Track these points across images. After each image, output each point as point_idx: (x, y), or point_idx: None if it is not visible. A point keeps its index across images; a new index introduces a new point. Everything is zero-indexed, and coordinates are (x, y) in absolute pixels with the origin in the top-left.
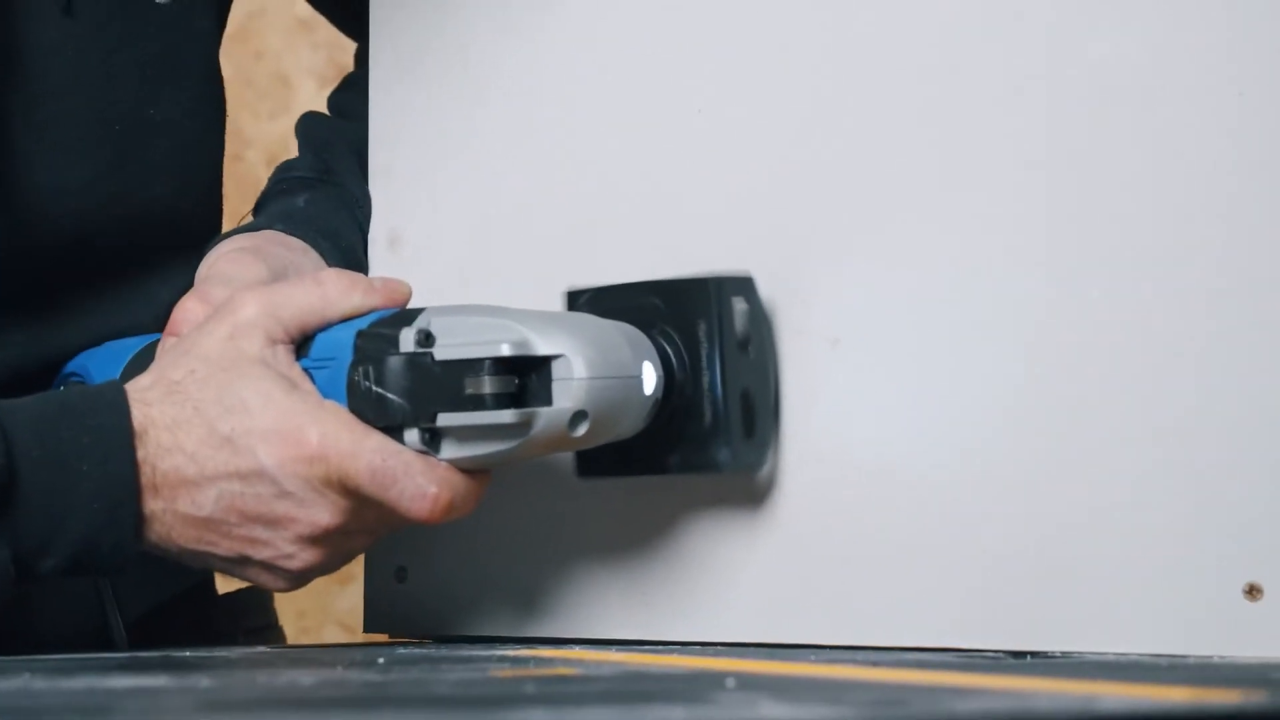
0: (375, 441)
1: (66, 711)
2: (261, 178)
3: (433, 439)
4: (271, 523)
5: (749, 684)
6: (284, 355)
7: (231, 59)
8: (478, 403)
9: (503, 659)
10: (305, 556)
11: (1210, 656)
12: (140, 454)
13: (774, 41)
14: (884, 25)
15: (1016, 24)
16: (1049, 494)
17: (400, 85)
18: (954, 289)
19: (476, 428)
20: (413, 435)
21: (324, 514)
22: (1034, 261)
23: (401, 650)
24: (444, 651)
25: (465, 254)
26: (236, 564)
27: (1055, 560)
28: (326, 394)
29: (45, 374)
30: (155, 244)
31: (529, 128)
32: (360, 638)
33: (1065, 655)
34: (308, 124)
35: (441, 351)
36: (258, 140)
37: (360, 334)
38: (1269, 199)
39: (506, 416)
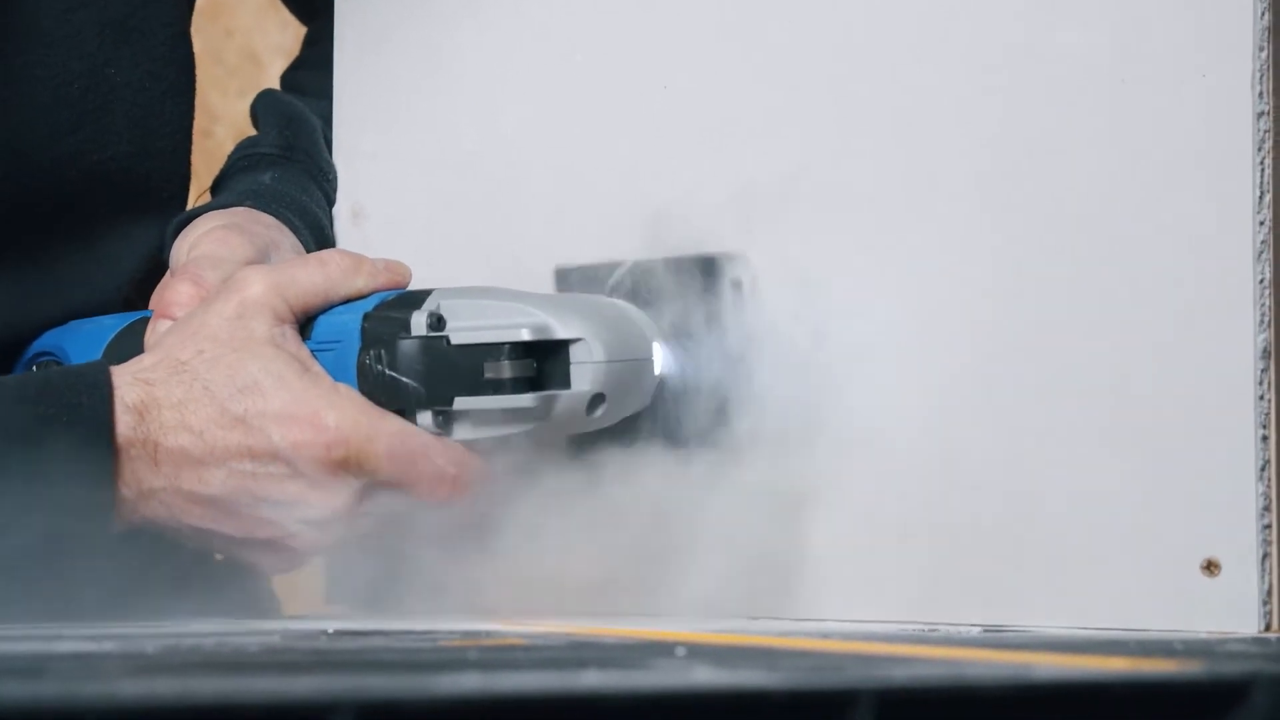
0: (392, 425)
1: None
2: (227, 153)
3: (446, 421)
4: (281, 504)
5: (697, 653)
6: (292, 335)
7: (202, 35)
8: (496, 386)
9: (455, 632)
10: (312, 538)
11: (1168, 632)
12: (139, 433)
13: (743, 18)
14: (863, 6)
15: (1001, 8)
16: (1010, 471)
17: (365, 61)
18: (926, 271)
19: (494, 411)
20: (426, 418)
21: (337, 497)
22: (1000, 244)
23: (354, 623)
24: (399, 624)
25: (428, 229)
26: (240, 544)
27: (1016, 536)
28: (333, 377)
29: (10, 346)
30: (115, 207)
31: (494, 104)
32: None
33: (1023, 631)
34: (267, 101)
35: (457, 335)
36: (226, 116)
37: (367, 317)
38: (1232, 186)
39: (526, 401)
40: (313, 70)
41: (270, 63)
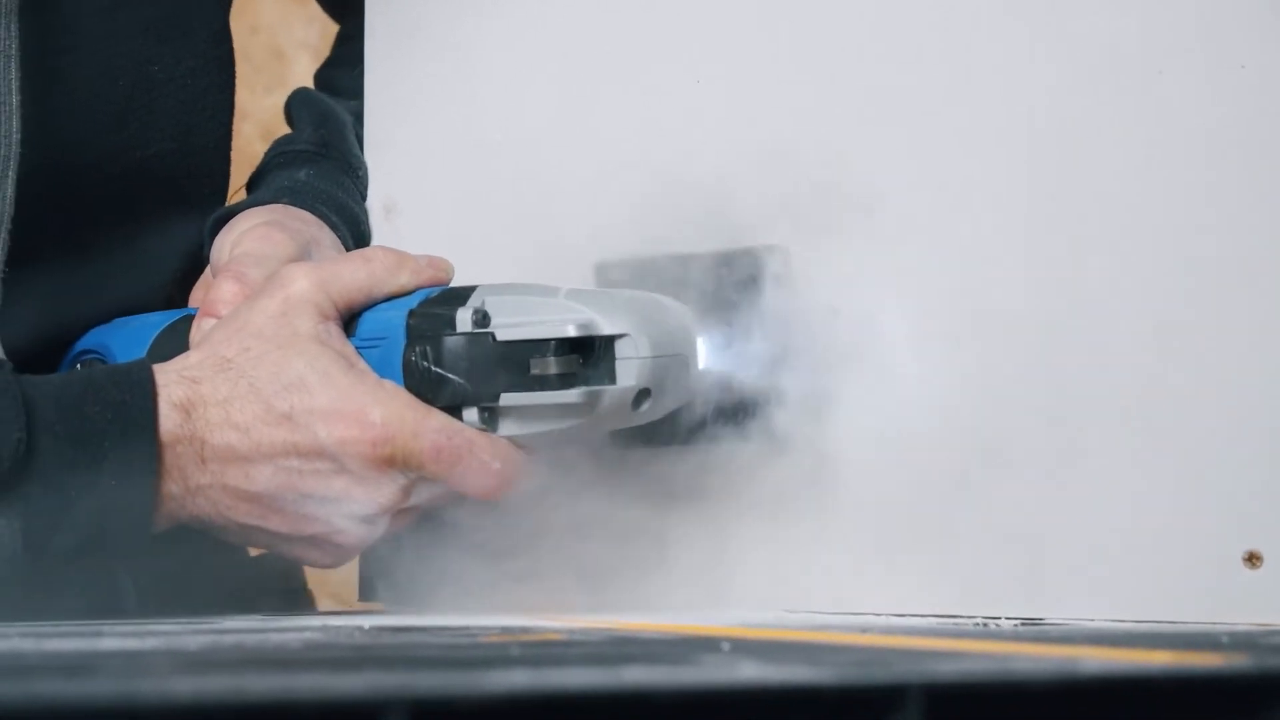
0: (438, 421)
1: (48, 670)
2: (257, 151)
3: (491, 417)
4: (327, 499)
5: (741, 648)
6: (336, 332)
7: None
8: (542, 382)
9: (492, 627)
10: (357, 533)
11: (1210, 624)
12: (186, 430)
13: (773, 12)
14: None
15: (1037, 2)
16: (1052, 464)
17: (396, 54)
18: (965, 263)
19: (540, 407)
20: (472, 414)
21: (383, 492)
22: (1037, 236)
23: (390, 619)
24: (434, 620)
25: (461, 223)
26: (286, 540)
27: (1056, 529)
28: (378, 373)
29: (54, 344)
30: (157, 203)
31: (526, 97)
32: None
33: (1065, 624)
34: (302, 99)
35: (502, 332)
36: (253, 113)
37: (412, 313)
38: (1269, 178)
39: (573, 396)
40: (345, 68)
41: (295, 59)
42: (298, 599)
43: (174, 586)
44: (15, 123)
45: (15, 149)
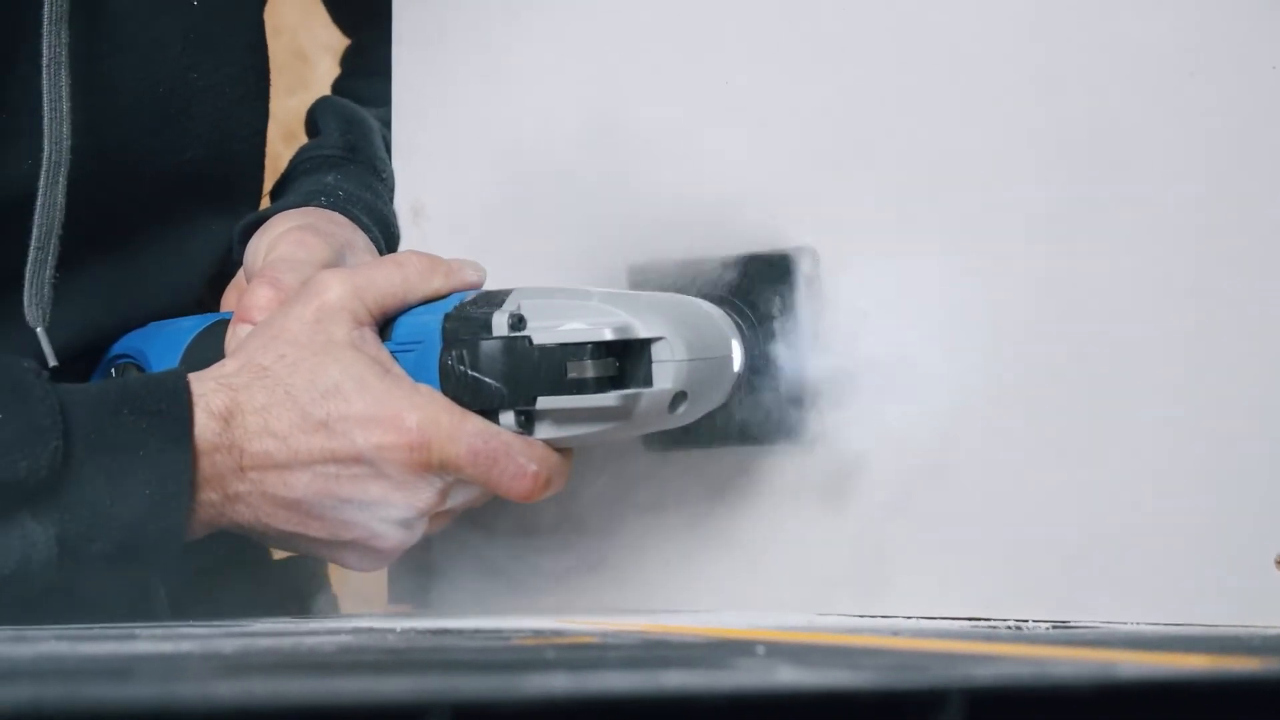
0: (474, 425)
1: (89, 674)
2: (278, 153)
3: (528, 421)
4: (365, 505)
5: (776, 652)
6: (371, 338)
7: None
8: (579, 386)
9: (524, 630)
10: (396, 537)
11: (1241, 627)
12: (225, 438)
13: (801, 12)
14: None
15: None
16: (1081, 466)
17: (423, 57)
18: (993, 265)
19: (576, 410)
20: (508, 417)
21: (421, 496)
22: (1071, 237)
23: (421, 622)
24: (464, 623)
25: (488, 226)
26: (325, 545)
27: (1087, 533)
28: (414, 377)
29: (96, 348)
30: (193, 209)
31: (554, 99)
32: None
33: (1097, 628)
34: (326, 105)
35: (539, 335)
36: (275, 115)
37: (448, 317)
38: None
39: (610, 400)
40: (364, 78)
41: (318, 61)
42: (323, 601)
43: (203, 590)
44: (66, 128)
45: (66, 154)
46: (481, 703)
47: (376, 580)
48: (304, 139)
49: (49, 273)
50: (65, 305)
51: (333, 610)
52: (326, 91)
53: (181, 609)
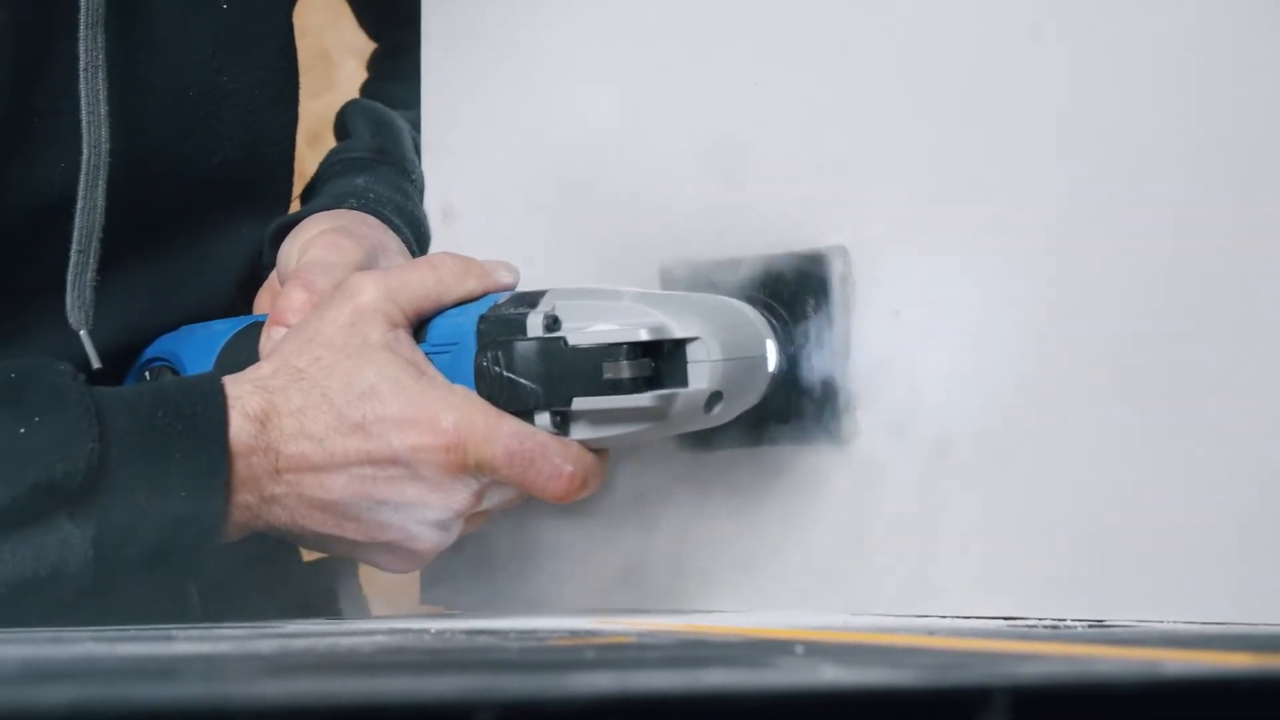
0: (510, 425)
1: (132, 674)
2: (302, 156)
3: (564, 421)
4: (401, 506)
5: (816, 651)
6: (406, 340)
7: None
8: (615, 386)
9: (560, 630)
10: (432, 538)
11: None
12: (261, 441)
13: (831, 13)
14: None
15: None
16: (1118, 464)
17: (453, 57)
18: (1029, 265)
19: (612, 410)
20: (544, 418)
21: (457, 498)
22: (1102, 234)
23: (455, 623)
24: (499, 624)
25: (519, 226)
26: (361, 547)
27: (1125, 531)
28: (449, 379)
29: (133, 351)
30: (224, 211)
31: (584, 99)
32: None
33: (1135, 626)
34: (356, 108)
35: (574, 336)
36: (300, 117)
37: (483, 319)
38: None
39: (646, 400)
40: (392, 81)
41: (343, 62)
42: (353, 603)
43: (233, 591)
44: (105, 132)
45: (105, 158)
46: (527, 702)
47: (405, 582)
48: (329, 141)
49: (90, 275)
50: (105, 308)
51: (363, 612)
52: (351, 94)
53: (212, 611)
